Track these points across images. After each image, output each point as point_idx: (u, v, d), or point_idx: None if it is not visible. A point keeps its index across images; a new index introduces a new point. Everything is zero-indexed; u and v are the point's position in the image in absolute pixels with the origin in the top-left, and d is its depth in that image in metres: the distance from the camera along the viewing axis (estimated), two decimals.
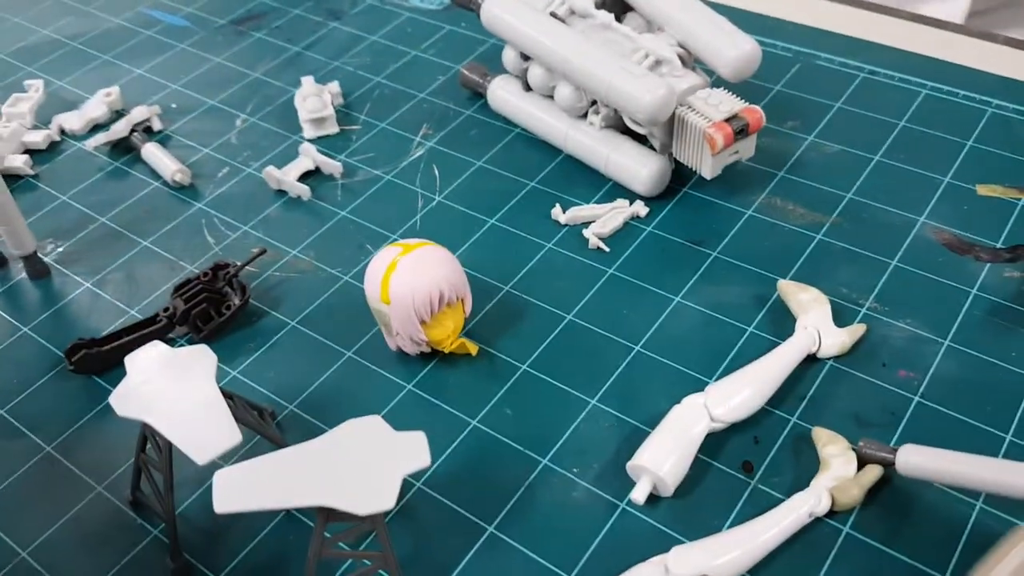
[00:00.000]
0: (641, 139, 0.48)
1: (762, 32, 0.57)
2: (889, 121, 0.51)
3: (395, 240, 0.43)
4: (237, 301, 0.43)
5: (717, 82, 0.47)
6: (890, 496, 0.34)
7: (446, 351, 0.40)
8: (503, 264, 0.45)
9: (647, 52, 0.46)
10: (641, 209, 0.47)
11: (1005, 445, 0.36)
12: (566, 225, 0.47)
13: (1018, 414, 0.37)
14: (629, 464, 0.35)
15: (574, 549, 0.34)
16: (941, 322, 0.40)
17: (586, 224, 0.47)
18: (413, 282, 0.38)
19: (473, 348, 0.40)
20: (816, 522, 0.34)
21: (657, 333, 0.41)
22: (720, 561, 0.32)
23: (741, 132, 0.44)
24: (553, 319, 0.42)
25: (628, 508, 0.35)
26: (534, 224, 0.47)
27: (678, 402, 0.37)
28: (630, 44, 0.47)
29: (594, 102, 0.48)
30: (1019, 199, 0.46)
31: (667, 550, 0.32)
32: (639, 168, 0.47)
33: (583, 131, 0.49)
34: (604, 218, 0.46)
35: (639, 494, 0.34)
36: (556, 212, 0.47)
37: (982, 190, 0.46)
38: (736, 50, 0.45)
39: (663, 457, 0.34)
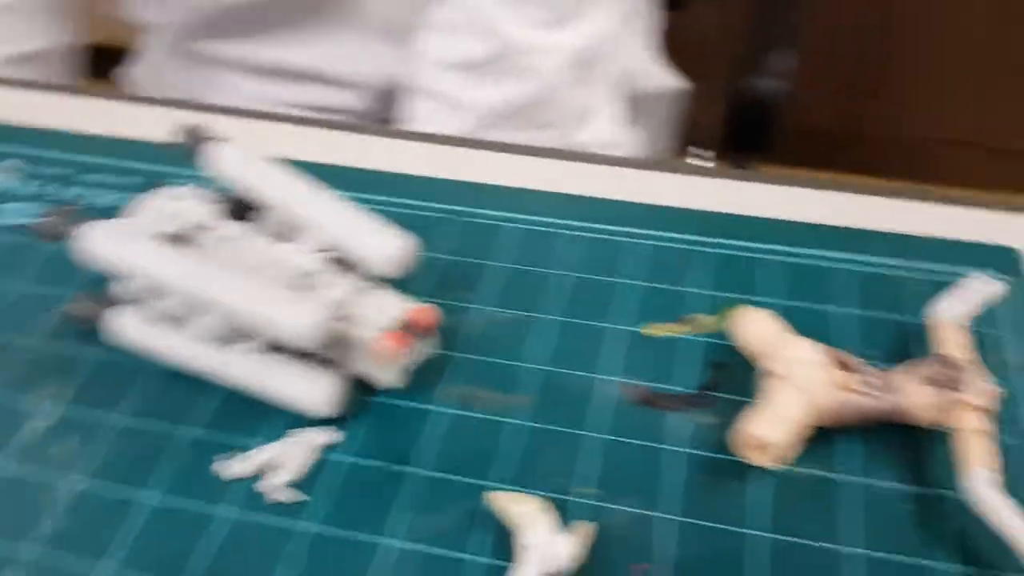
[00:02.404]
0: (311, 354, 0.43)
1: (415, 195, 0.54)
2: (561, 274, 0.49)
3: None
4: None
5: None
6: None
7: None
8: (175, 561, 0.37)
9: (288, 265, 0.41)
10: (328, 436, 0.41)
11: None
12: (241, 479, 0.40)
13: None
14: None
15: None
16: (660, 495, 0.39)
17: (265, 472, 0.40)
18: None
19: None
20: None
21: None
22: None
23: (415, 336, 0.40)
24: None
25: None
26: (202, 487, 0.40)
27: None
28: (269, 256, 0.42)
29: None
30: (687, 333, 0.46)
31: None
32: (311, 389, 0.41)
33: (237, 357, 0.43)
34: (286, 459, 0.40)
35: None
36: (223, 466, 0.40)
37: (647, 330, 0.46)
38: (387, 249, 0.41)
39: None
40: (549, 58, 0.66)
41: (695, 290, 0.48)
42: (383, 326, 0.40)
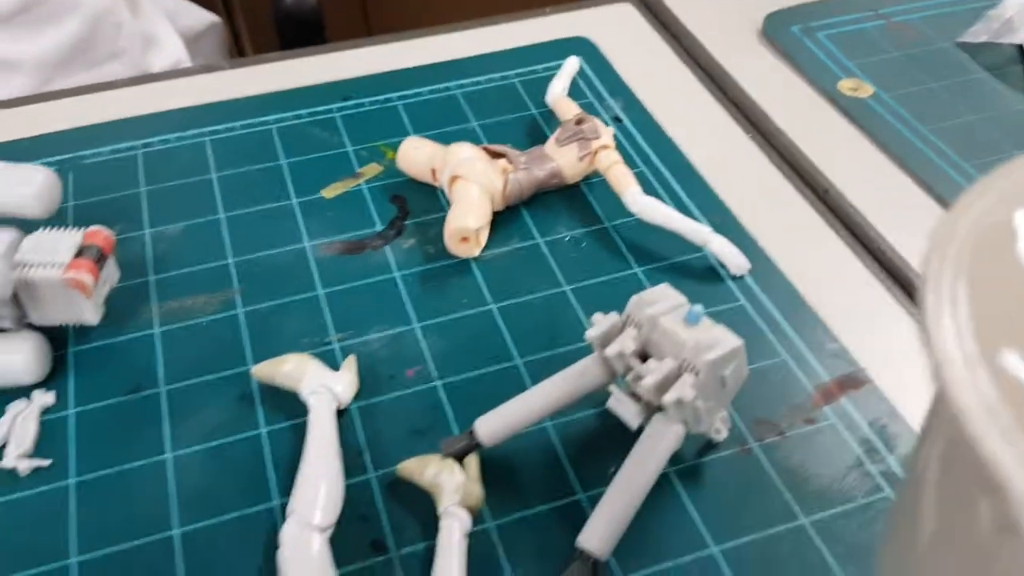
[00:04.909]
0: None
1: (16, 156, 0.49)
2: (200, 180, 0.49)
3: None
4: None
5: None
6: (500, 472, 0.35)
7: None
8: None
9: None
10: (47, 399, 0.38)
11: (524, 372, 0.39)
12: None
13: (500, 348, 0.40)
14: None
15: None
16: (396, 314, 0.42)
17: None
18: None
19: None
20: (472, 538, 0.33)
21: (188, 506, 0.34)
22: None
23: (100, 260, 0.38)
24: None
25: None
26: None
27: None
28: None
29: None
30: (359, 184, 0.49)
31: None
32: (12, 359, 0.37)
33: None
34: (12, 434, 0.36)
35: None
36: None
37: (328, 192, 0.48)
38: (32, 186, 0.38)
39: None
40: None
41: (360, 146, 0.51)
42: (64, 261, 0.37)
